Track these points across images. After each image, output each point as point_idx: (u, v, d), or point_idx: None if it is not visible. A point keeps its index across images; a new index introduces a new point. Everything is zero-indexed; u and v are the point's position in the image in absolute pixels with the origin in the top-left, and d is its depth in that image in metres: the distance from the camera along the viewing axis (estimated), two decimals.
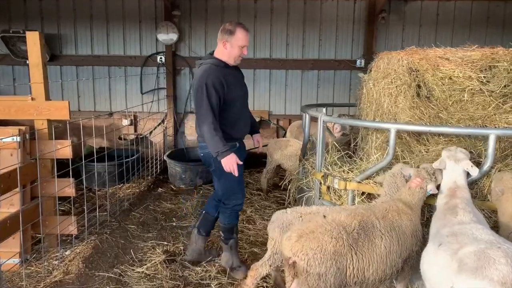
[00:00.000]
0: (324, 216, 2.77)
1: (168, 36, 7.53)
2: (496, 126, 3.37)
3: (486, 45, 4.02)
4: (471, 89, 3.50)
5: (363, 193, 3.72)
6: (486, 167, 3.14)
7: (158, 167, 7.22)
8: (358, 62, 7.63)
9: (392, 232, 2.79)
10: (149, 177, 6.79)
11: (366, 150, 4.15)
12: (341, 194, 3.88)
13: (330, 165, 4.01)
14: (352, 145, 4.62)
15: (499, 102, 3.46)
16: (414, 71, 3.80)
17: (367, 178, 3.64)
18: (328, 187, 3.93)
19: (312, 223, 2.73)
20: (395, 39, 7.75)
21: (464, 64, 3.51)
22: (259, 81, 7.97)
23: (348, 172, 3.86)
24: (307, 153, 4.59)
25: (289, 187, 4.98)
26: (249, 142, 4.27)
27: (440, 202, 3.14)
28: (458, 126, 3.32)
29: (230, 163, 3.42)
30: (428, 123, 3.52)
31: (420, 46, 7.44)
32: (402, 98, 3.76)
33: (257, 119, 7.07)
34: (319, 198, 4.02)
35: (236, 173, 3.45)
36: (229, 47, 3.53)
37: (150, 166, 6.90)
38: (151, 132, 8.07)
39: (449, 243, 2.53)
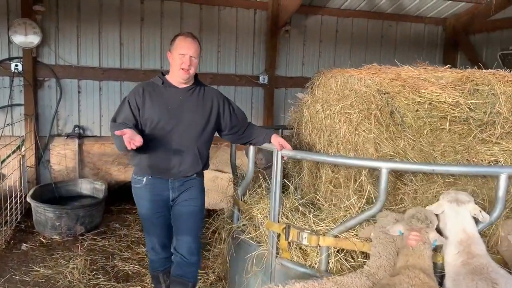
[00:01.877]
0: None
1: (27, 38, 5.75)
2: (484, 160, 2.90)
3: (381, 63, 3.64)
4: (455, 116, 2.98)
5: (338, 250, 2.92)
6: (496, 213, 2.59)
7: (18, 211, 5.38)
8: (261, 78, 6.92)
9: None
10: (7, 228, 4.94)
11: (326, 189, 3.36)
12: (307, 250, 3.02)
13: (290, 212, 3.12)
14: (297, 179, 3.79)
15: (478, 132, 3.01)
16: (383, 94, 3.16)
17: (346, 231, 2.84)
18: (289, 242, 3.04)
19: None
20: (296, 55, 7.27)
21: (450, 87, 2.97)
22: None
23: (314, 222, 3.01)
24: (246, 193, 3.62)
25: (216, 235, 3.92)
26: None
27: (453, 261, 2.49)
28: (469, 164, 2.74)
29: (126, 140, 2.59)
30: (414, 159, 2.90)
31: (321, 63, 7.08)
32: (371, 126, 3.08)
33: None
34: (276, 257, 3.09)
35: (137, 143, 2.60)
36: (171, 59, 3.00)
37: (6, 211, 5.04)
38: (2, 162, 6.12)
39: None
